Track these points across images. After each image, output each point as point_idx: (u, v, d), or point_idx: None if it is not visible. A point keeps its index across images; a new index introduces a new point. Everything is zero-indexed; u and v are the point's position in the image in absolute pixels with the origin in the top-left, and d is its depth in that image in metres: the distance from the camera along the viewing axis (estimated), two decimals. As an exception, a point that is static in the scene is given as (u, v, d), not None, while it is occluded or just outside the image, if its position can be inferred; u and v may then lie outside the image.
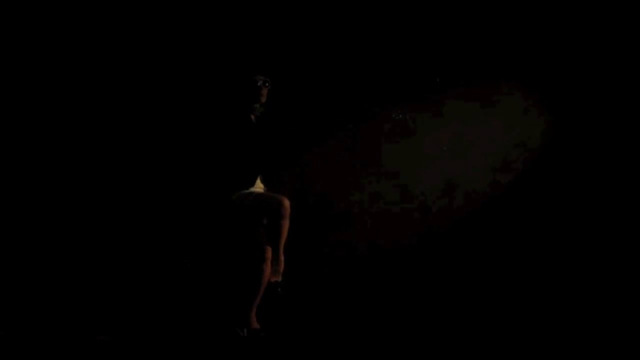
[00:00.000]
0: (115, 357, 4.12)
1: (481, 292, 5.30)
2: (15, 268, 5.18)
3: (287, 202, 4.40)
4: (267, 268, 4.46)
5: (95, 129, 5.35)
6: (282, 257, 4.43)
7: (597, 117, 5.41)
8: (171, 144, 5.36)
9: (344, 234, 5.51)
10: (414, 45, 5.51)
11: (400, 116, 5.52)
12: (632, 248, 5.25)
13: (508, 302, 5.20)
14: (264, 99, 4.56)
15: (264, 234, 4.48)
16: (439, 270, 5.41)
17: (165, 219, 5.33)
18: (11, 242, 5.21)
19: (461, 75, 5.51)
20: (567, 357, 4.17)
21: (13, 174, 5.27)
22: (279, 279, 4.45)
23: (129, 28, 5.37)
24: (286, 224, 4.41)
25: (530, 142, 5.48)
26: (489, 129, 5.50)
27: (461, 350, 4.31)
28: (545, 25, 5.45)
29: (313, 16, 5.48)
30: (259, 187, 4.58)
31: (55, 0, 5.30)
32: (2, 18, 5.28)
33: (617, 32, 5.39)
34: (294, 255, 5.32)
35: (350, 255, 5.49)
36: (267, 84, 4.55)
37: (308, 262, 5.43)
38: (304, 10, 5.47)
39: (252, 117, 4.56)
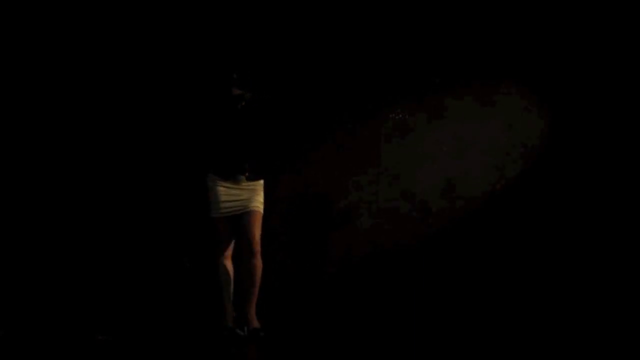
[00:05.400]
0: (115, 357, 4.12)
1: (481, 291, 5.30)
2: (15, 268, 5.18)
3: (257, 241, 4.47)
4: (229, 264, 4.56)
5: (97, 131, 5.35)
6: (253, 311, 4.47)
7: (596, 116, 5.41)
8: (170, 145, 5.37)
9: (344, 234, 5.51)
10: (414, 45, 5.51)
11: (400, 116, 5.53)
12: (632, 246, 5.25)
13: (508, 301, 5.20)
14: (237, 92, 4.58)
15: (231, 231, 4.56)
16: (439, 269, 5.41)
17: (164, 219, 5.33)
18: (11, 242, 5.22)
19: (461, 75, 5.51)
20: (567, 356, 4.17)
21: (12, 174, 5.27)
22: (258, 325, 4.47)
23: (119, 24, 5.38)
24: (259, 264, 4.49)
25: (530, 141, 5.49)
26: (489, 129, 5.50)
27: (461, 348, 4.31)
28: (545, 26, 5.45)
29: (314, 15, 5.48)
30: (243, 181, 4.56)
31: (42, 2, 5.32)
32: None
33: (616, 32, 5.39)
34: (294, 255, 5.32)
35: (350, 255, 5.49)
36: (237, 82, 4.58)
37: (308, 262, 5.43)
38: (306, 9, 5.47)
39: (239, 104, 4.58)
